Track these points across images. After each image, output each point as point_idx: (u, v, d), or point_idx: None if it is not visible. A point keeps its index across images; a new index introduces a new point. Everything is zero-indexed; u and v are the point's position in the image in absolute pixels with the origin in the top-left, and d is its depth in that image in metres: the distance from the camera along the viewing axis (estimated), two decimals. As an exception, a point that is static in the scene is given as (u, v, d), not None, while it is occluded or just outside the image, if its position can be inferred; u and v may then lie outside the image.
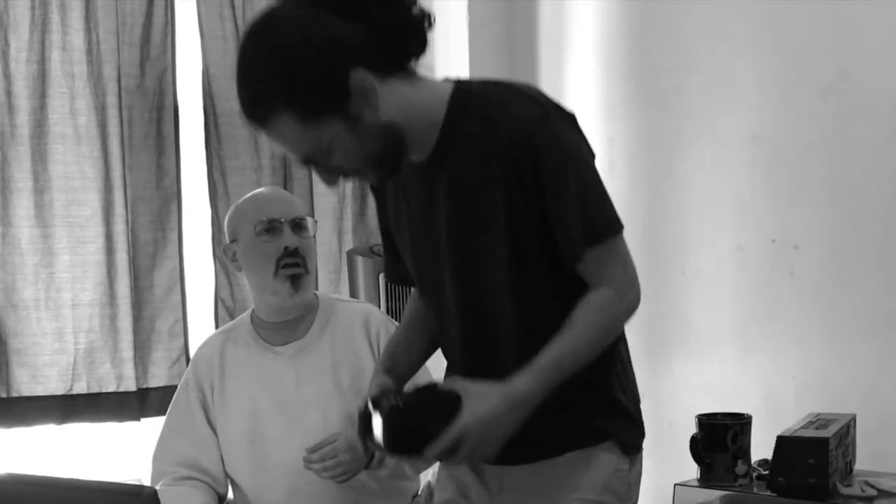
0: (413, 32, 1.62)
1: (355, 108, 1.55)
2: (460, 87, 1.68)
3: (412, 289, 1.94)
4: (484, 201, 1.63)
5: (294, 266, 2.33)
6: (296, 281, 2.33)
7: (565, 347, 1.61)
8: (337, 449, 2.19)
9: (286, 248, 2.32)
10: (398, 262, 1.87)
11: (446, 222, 1.67)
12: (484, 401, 1.56)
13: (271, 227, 2.32)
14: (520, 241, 1.64)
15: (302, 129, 1.55)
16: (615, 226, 1.65)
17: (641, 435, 1.85)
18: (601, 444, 1.75)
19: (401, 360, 1.90)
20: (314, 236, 2.41)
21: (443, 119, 1.64)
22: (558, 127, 1.62)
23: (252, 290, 2.42)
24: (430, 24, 1.63)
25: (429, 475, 2.67)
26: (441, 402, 1.56)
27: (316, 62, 1.52)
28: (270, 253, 2.32)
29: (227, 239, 2.42)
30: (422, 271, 1.79)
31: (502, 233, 1.64)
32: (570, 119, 1.67)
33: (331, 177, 1.64)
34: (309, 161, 1.61)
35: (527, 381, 1.58)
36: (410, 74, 1.64)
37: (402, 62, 1.63)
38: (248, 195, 2.45)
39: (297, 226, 2.35)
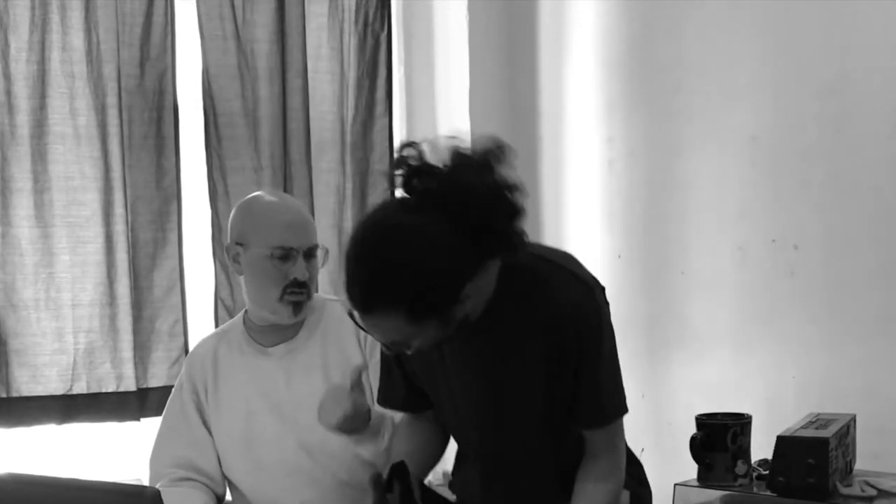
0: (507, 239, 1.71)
1: (455, 313, 1.65)
2: (506, 262, 1.76)
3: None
4: (524, 364, 1.79)
5: (299, 294, 2.32)
6: (298, 307, 2.33)
7: None
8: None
9: (295, 279, 2.31)
10: (394, 389, 2.00)
11: (485, 381, 1.83)
12: None
13: (286, 256, 2.31)
14: (551, 401, 1.82)
15: (405, 326, 1.63)
16: (625, 404, 1.87)
17: (649, 495, 2.09)
18: None
19: None
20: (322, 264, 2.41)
21: (493, 291, 1.75)
22: (598, 302, 1.79)
23: (248, 297, 2.40)
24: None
25: (430, 475, 2.66)
26: None
27: (444, 278, 1.61)
28: (279, 279, 2.31)
29: (229, 236, 2.39)
30: (455, 419, 1.96)
31: (537, 395, 1.82)
32: (602, 290, 1.82)
33: (396, 350, 1.73)
34: (389, 347, 1.71)
35: None
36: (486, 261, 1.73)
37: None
38: (265, 200, 2.39)
39: (309, 254, 2.34)
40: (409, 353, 1.73)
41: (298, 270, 2.31)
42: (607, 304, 1.83)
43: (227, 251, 2.39)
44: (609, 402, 1.84)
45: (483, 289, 1.73)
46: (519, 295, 1.76)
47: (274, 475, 2.33)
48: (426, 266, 1.60)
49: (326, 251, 2.42)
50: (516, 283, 1.76)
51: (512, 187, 1.66)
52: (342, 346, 2.38)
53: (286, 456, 2.31)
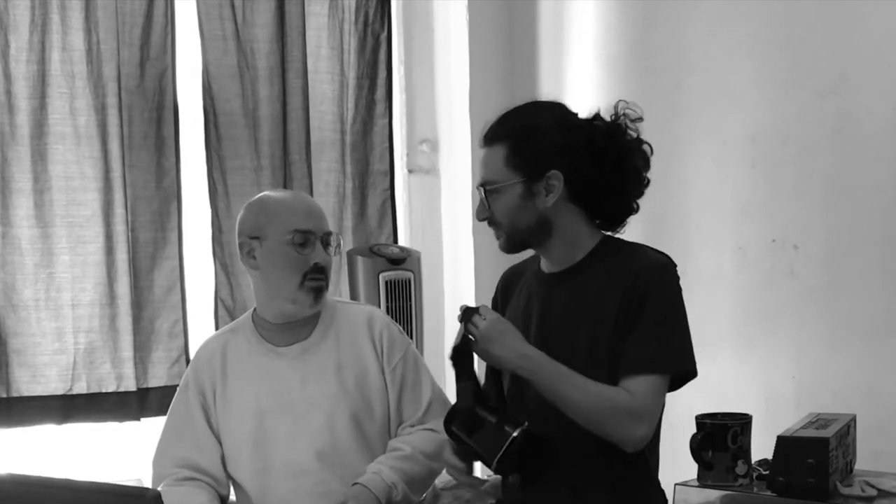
0: (618, 212, 2.07)
1: (535, 189, 1.98)
2: (607, 236, 2.09)
3: None
4: (599, 312, 1.97)
5: (319, 280, 2.33)
6: (318, 294, 2.34)
7: (576, 386, 1.92)
8: None
9: (316, 264, 2.32)
10: None
11: (561, 320, 2.01)
12: (512, 330, 1.97)
13: (305, 240, 2.32)
14: (614, 351, 1.96)
15: (501, 168, 2.00)
16: (681, 365, 2.00)
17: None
18: None
19: None
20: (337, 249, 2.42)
21: (590, 251, 2.04)
22: (673, 272, 2.03)
23: (261, 292, 2.38)
24: (632, 212, 2.09)
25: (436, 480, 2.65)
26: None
27: (545, 139, 1.99)
28: (299, 265, 2.31)
29: (241, 233, 2.38)
30: None
31: (604, 342, 1.96)
32: (676, 268, 2.05)
33: (482, 212, 2.04)
34: (480, 187, 2.03)
35: (538, 357, 1.95)
36: (587, 216, 2.05)
37: (591, 208, 2.03)
38: (277, 194, 2.42)
39: (325, 241, 2.36)
40: (486, 215, 2.02)
41: (318, 255, 2.33)
42: (679, 284, 2.04)
43: (240, 248, 2.38)
44: (649, 355, 1.93)
45: (566, 229, 2.02)
46: (607, 256, 2.02)
47: (282, 476, 2.32)
48: (538, 122, 2.01)
49: (339, 238, 2.43)
50: (608, 249, 2.04)
51: (641, 177, 2.07)
52: (357, 347, 2.38)
53: (296, 457, 2.31)
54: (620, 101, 2.09)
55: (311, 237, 2.32)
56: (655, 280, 1.97)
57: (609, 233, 2.10)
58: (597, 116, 2.07)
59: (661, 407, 1.98)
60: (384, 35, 3.92)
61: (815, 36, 2.95)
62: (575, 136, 2.01)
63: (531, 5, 3.90)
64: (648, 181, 2.09)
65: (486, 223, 2.06)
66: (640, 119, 2.08)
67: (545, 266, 2.09)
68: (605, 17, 3.59)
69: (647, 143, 2.07)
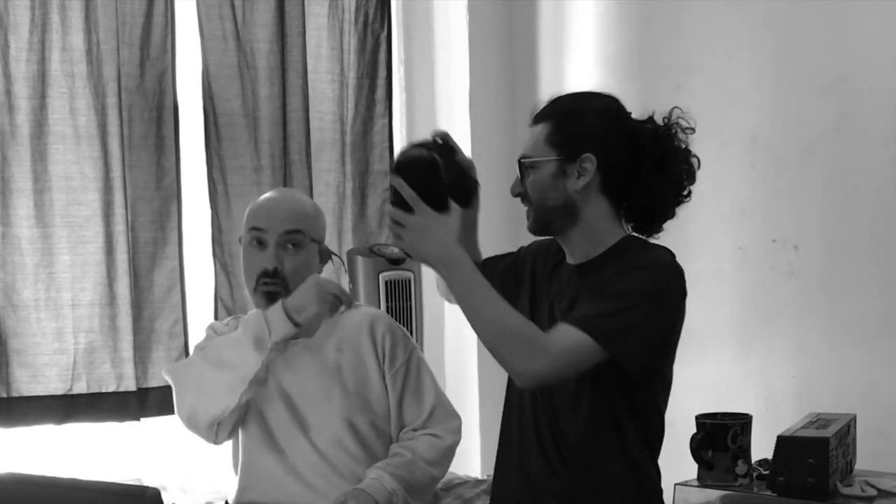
0: (651, 215, 2.08)
1: (567, 170, 1.99)
2: (631, 236, 2.10)
3: None
4: None
5: (270, 285, 2.29)
6: (272, 298, 2.27)
7: (490, 302, 1.87)
8: None
9: (265, 269, 2.27)
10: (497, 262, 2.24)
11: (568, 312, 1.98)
12: (444, 228, 1.87)
13: (260, 239, 2.28)
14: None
15: (540, 141, 2.02)
16: (614, 343, 1.89)
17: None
18: None
19: None
20: (331, 255, 2.38)
21: (610, 246, 2.03)
22: (674, 273, 2.06)
23: None
24: (668, 216, 2.10)
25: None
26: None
27: (588, 126, 2.01)
28: (254, 268, 2.29)
29: (241, 231, 2.40)
30: None
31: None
32: (679, 272, 2.09)
33: (516, 188, 2.05)
34: (518, 161, 2.04)
35: (462, 260, 1.89)
36: (616, 214, 2.05)
37: (621, 205, 2.05)
38: (265, 194, 2.41)
39: (289, 241, 2.29)
40: (518, 191, 2.02)
41: (266, 259, 2.26)
42: (683, 290, 2.08)
43: (241, 242, 2.39)
44: (586, 314, 1.89)
45: (591, 220, 2.01)
46: (620, 255, 2.03)
47: (278, 470, 2.33)
48: (583, 107, 2.04)
49: (328, 251, 2.39)
50: (624, 248, 2.03)
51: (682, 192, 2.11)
52: (357, 351, 2.37)
53: (291, 454, 2.32)
54: (675, 107, 2.10)
55: (263, 236, 2.27)
56: (648, 269, 1.97)
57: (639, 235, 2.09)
58: (649, 119, 2.09)
59: (574, 367, 1.89)
60: (384, 35, 3.92)
61: (815, 36, 2.95)
62: (617, 126, 2.03)
63: (531, 5, 3.90)
64: (690, 193, 2.09)
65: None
66: (692, 130, 2.09)
67: (568, 256, 2.09)
68: (605, 17, 3.59)
69: (695, 156, 2.09)
